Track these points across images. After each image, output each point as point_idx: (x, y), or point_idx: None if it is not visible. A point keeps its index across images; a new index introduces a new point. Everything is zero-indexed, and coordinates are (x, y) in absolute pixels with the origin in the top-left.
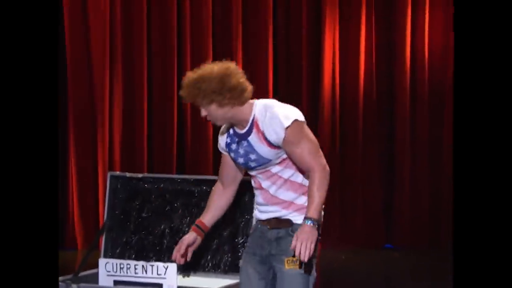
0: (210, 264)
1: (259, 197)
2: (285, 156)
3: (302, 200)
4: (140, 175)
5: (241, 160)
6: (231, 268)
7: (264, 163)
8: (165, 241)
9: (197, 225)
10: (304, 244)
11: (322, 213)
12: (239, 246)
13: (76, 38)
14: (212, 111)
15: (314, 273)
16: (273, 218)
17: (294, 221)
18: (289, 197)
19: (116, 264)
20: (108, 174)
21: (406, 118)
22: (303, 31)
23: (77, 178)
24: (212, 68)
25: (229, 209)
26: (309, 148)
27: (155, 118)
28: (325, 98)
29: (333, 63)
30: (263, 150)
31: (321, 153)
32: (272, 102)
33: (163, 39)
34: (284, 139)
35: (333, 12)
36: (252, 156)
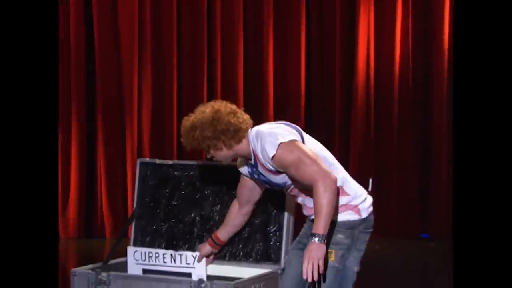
0: (241, 253)
1: (302, 209)
2: None
3: (337, 201)
4: (170, 162)
5: (267, 186)
6: (263, 257)
7: (281, 186)
8: (195, 229)
9: (212, 239)
10: (311, 264)
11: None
12: (271, 234)
13: (105, 26)
14: (213, 154)
15: (353, 268)
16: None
17: (334, 219)
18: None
19: (145, 253)
20: (138, 161)
21: (443, 102)
22: (337, 14)
23: (106, 165)
24: (203, 113)
25: (261, 198)
26: (304, 164)
27: (185, 104)
28: (359, 82)
29: (368, 46)
30: (274, 178)
31: (319, 162)
32: (261, 129)
33: (193, 27)
34: (277, 166)
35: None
36: (272, 182)
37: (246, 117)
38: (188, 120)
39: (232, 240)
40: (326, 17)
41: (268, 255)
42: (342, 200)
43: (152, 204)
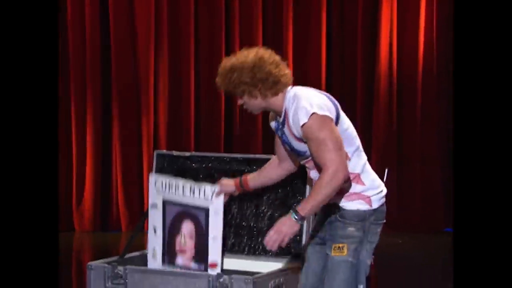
0: (260, 247)
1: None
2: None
3: (349, 186)
4: (187, 154)
5: (286, 147)
6: (282, 252)
7: (301, 154)
8: None
9: (240, 180)
10: (277, 236)
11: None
12: None
13: (121, 18)
14: (245, 101)
15: (366, 261)
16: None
17: (343, 207)
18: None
19: (165, 183)
20: (154, 153)
21: None
22: (359, 2)
23: (121, 157)
24: (245, 57)
25: (281, 190)
26: (325, 146)
27: (202, 95)
28: (381, 72)
29: (391, 35)
30: (295, 143)
31: (341, 152)
32: (300, 92)
33: (211, 17)
34: (302, 135)
35: None
36: (292, 146)
37: (288, 71)
38: (229, 61)
39: (251, 233)
40: (347, 6)
41: (288, 250)
42: (356, 188)
43: None
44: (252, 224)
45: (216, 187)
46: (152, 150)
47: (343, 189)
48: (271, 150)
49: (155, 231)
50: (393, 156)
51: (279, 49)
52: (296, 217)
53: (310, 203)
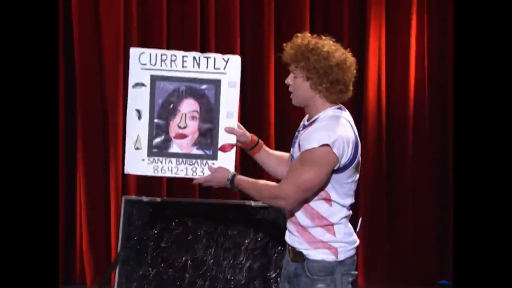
0: None
1: (287, 227)
2: None
3: (318, 233)
4: (158, 199)
5: (291, 149)
6: None
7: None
8: (187, 275)
9: (258, 139)
10: (206, 183)
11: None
12: (271, 281)
13: (86, 37)
14: (298, 84)
15: None
16: (291, 247)
17: (307, 256)
18: (304, 222)
19: (156, 54)
20: (122, 198)
21: None
22: (344, 33)
23: (86, 202)
24: (334, 50)
25: (261, 239)
26: (301, 172)
27: None
28: (369, 108)
29: (379, 71)
30: (295, 152)
31: (301, 190)
32: (338, 118)
33: (185, 46)
34: (302, 150)
35: (379, 13)
36: (292, 151)
37: (350, 94)
38: (316, 41)
39: (227, 286)
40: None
41: None
42: (325, 236)
43: (138, 246)
44: (228, 276)
45: (230, 56)
46: (120, 194)
47: (310, 234)
48: (249, 197)
49: (139, 116)
50: (383, 200)
51: (261, 88)
52: (230, 182)
53: (246, 186)
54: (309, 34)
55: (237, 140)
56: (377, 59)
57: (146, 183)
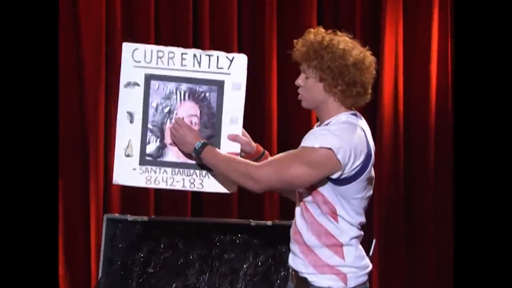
0: None
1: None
2: (319, 187)
3: (325, 254)
4: (145, 218)
5: None
6: None
7: None
8: None
9: (264, 151)
10: (174, 135)
11: None
12: None
13: (64, 39)
14: (310, 85)
15: None
16: (294, 272)
17: (312, 282)
18: (310, 241)
19: (152, 51)
20: (104, 217)
21: None
22: (356, 30)
23: (62, 221)
24: (351, 48)
25: (262, 263)
26: (290, 162)
27: None
28: (384, 116)
29: (396, 73)
30: None
31: (280, 178)
32: (353, 125)
33: (176, 39)
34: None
35: (396, 7)
36: None
37: (368, 98)
38: (331, 37)
39: None
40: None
41: None
42: (333, 259)
43: (122, 272)
44: None
45: (236, 54)
46: (102, 212)
47: (316, 256)
48: (248, 215)
49: (131, 119)
50: (399, 217)
51: (261, 99)
52: (198, 150)
53: (216, 157)
54: (323, 30)
55: (241, 149)
56: (394, 60)
57: (131, 199)
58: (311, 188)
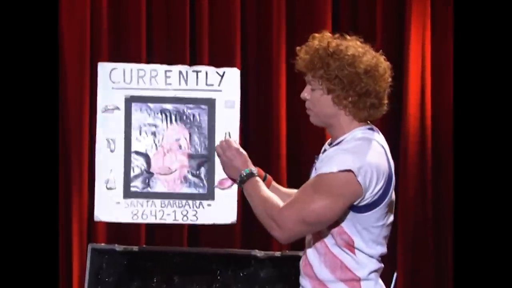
0: None
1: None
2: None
3: None
4: (136, 248)
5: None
6: None
7: None
8: None
9: (265, 175)
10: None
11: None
12: None
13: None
14: (317, 98)
15: None
16: None
17: None
18: (322, 274)
19: (132, 70)
20: (89, 247)
21: None
22: (377, 35)
23: None
24: (362, 53)
25: None
26: (310, 201)
27: None
28: (409, 130)
29: (422, 82)
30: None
31: (302, 220)
32: (369, 141)
33: (170, 50)
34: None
35: (423, 9)
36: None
37: (384, 109)
38: (337, 43)
39: None
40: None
41: None
42: None
43: None
44: None
45: (226, 69)
46: (86, 242)
47: None
48: (254, 245)
49: (112, 147)
50: (427, 246)
51: (269, 112)
52: (242, 179)
53: (256, 192)
54: (329, 34)
55: None
56: (420, 66)
57: (119, 227)
58: None
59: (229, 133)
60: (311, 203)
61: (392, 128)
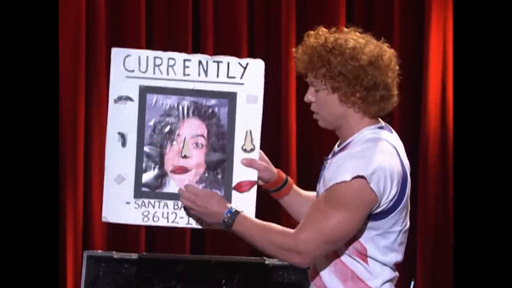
0: None
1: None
2: None
3: None
4: (135, 255)
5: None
6: None
7: None
8: None
9: (287, 177)
10: (191, 202)
11: None
12: None
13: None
14: (322, 99)
15: None
16: None
17: None
18: (333, 285)
19: (148, 57)
20: (84, 254)
21: None
22: (395, 30)
23: None
24: (363, 44)
25: None
26: (324, 218)
27: None
28: (429, 129)
29: (444, 77)
30: (321, 191)
31: (322, 240)
32: (382, 141)
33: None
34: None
35: (443, 2)
36: (318, 186)
37: (395, 100)
38: (336, 37)
39: None
40: (377, 26)
41: None
42: None
43: None
44: None
45: (250, 60)
46: (81, 249)
47: None
48: (261, 252)
49: (123, 142)
50: (447, 254)
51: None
52: (227, 222)
53: (250, 228)
54: (325, 29)
55: (259, 177)
56: (442, 61)
57: (117, 232)
58: None
59: (250, 131)
60: (329, 220)
61: (411, 127)
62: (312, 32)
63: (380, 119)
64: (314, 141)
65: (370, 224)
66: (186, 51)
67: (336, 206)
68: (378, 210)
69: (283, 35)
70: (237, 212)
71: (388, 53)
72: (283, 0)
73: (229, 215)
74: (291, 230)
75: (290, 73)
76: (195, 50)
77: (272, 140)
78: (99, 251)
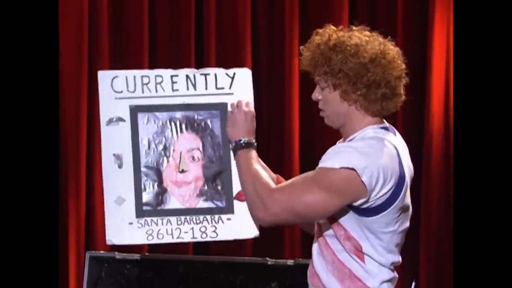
0: None
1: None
2: (340, 219)
3: None
4: (137, 256)
5: None
6: None
7: None
8: None
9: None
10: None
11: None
12: None
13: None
14: (326, 97)
15: None
16: None
17: None
18: (330, 284)
19: (135, 77)
20: (86, 254)
21: None
22: (398, 28)
23: None
24: (365, 41)
25: None
26: (302, 187)
27: None
28: (433, 129)
29: (447, 76)
30: None
31: (292, 210)
32: (369, 139)
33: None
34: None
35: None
36: None
37: (400, 100)
38: (345, 33)
39: None
40: (380, 23)
41: None
42: None
43: None
44: None
45: (237, 69)
46: (83, 249)
47: None
48: (265, 253)
49: (119, 163)
50: (448, 256)
51: (281, 117)
52: (237, 145)
53: (246, 164)
54: (333, 27)
55: None
56: (445, 61)
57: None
58: (331, 219)
59: None
60: (306, 194)
61: (414, 127)
62: (320, 30)
63: (384, 120)
64: (317, 140)
65: (362, 221)
66: (189, 50)
67: (319, 186)
68: (365, 206)
69: (286, 35)
70: (252, 145)
71: (393, 51)
72: (286, 2)
73: (245, 142)
74: (271, 186)
75: (293, 72)
76: (198, 51)
77: (275, 139)
78: (102, 251)
